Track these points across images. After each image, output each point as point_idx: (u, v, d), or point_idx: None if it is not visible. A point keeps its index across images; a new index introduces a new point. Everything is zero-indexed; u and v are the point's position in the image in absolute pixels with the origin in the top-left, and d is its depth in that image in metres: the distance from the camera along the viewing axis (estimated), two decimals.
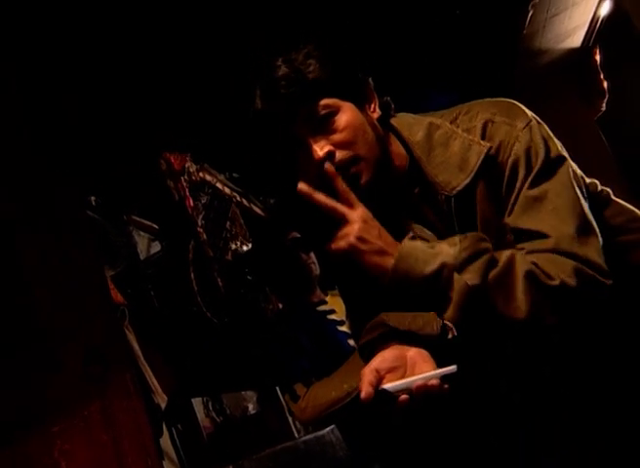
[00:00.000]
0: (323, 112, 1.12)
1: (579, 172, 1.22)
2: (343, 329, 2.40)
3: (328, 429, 1.45)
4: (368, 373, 0.99)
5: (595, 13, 3.88)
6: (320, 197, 1.08)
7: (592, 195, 1.22)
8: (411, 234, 1.09)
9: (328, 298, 2.53)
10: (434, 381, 0.95)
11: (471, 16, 3.40)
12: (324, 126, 1.12)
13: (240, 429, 3.26)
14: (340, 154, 1.11)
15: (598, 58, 4.47)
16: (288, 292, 2.58)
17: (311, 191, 1.08)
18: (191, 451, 2.73)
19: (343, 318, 2.43)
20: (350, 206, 1.08)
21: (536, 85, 4.30)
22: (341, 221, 1.07)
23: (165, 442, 2.60)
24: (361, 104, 1.17)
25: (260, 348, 2.69)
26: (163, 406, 2.32)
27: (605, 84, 4.59)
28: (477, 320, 1.01)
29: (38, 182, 1.68)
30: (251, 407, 3.63)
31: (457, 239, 1.05)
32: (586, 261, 1.01)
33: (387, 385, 0.97)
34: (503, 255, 1.03)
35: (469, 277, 0.99)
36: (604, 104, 4.69)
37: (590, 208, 1.10)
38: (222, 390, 3.17)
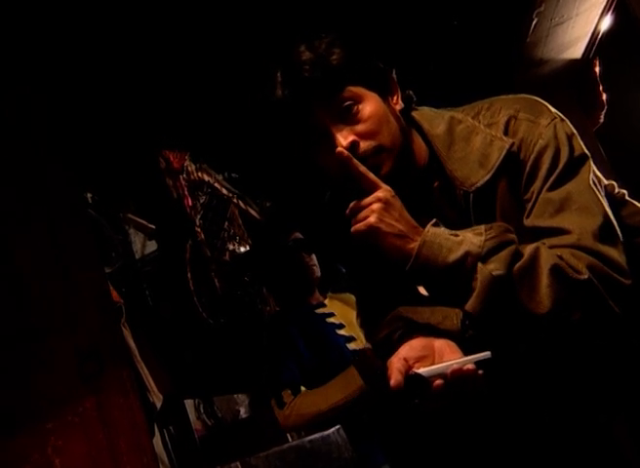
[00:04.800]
0: (346, 100, 1.10)
1: (597, 172, 1.20)
2: (342, 332, 2.36)
3: (333, 429, 1.43)
4: (396, 362, 0.97)
5: (597, 24, 3.89)
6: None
7: (609, 196, 1.21)
8: (434, 220, 1.06)
9: (327, 301, 2.49)
10: (470, 366, 0.93)
11: (474, 23, 3.40)
12: (347, 115, 1.10)
13: (232, 432, 3.22)
14: (363, 144, 1.09)
15: (598, 69, 4.48)
16: (286, 294, 2.54)
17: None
18: (183, 454, 2.69)
19: (342, 321, 2.39)
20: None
21: (535, 95, 4.31)
22: (361, 206, 1.05)
23: (156, 443, 2.56)
24: (384, 95, 1.15)
25: (254, 350, 2.66)
26: (158, 405, 2.28)
27: (604, 96, 4.60)
28: (499, 312, 0.98)
29: (33, 176, 1.64)
30: (242, 411, 3.59)
31: (482, 228, 1.02)
32: (607, 259, 0.99)
33: (421, 370, 0.95)
34: (528, 248, 1.01)
35: (494, 267, 0.97)
36: (602, 116, 4.71)
37: (609, 208, 1.08)
38: (216, 392, 3.13)
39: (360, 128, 1.09)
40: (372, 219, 1.03)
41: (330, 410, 2.05)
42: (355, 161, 1.06)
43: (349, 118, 1.10)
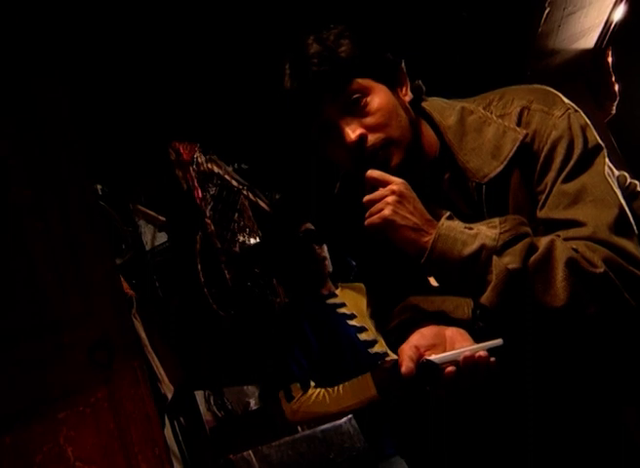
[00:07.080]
0: (355, 93, 1.09)
1: (610, 164, 1.19)
2: (353, 323, 2.36)
3: (345, 419, 1.43)
4: (407, 349, 0.97)
5: (610, 14, 3.85)
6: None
7: (621, 187, 1.20)
8: (448, 213, 1.05)
9: (338, 291, 2.49)
10: (482, 353, 0.93)
11: (486, 12, 3.37)
12: (356, 107, 1.09)
13: (242, 424, 3.23)
14: (372, 137, 1.08)
15: (610, 60, 4.44)
16: (297, 285, 2.53)
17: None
18: (193, 445, 2.70)
19: (354, 311, 2.39)
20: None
21: (547, 85, 4.29)
22: (375, 199, 1.05)
23: (167, 434, 2.57)
24: (393, 87, 1.15)
25: (265, 342, 2.66)
26: (169, 396, 2.29)
27: (616, 87, 4.57)
28: (514, 305, 0.98)
29: (48, 169, 1.64)
30: (252, 402, 3.60)
31: (496, 221, 1.02)
32: (623, 252, 0.98)
33: (433, 357, 0.94)
34: (543, 241, 1.00)
35: (509, 260, 0.96)
36: (614, 107, 4.67)
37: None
38: (226, 384, 3.14)
39: (369, 120, 1.09)
40: (386, 212, 1.02)
41: (339, 414, 2.04)
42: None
43: (358, 111, 1.09)
